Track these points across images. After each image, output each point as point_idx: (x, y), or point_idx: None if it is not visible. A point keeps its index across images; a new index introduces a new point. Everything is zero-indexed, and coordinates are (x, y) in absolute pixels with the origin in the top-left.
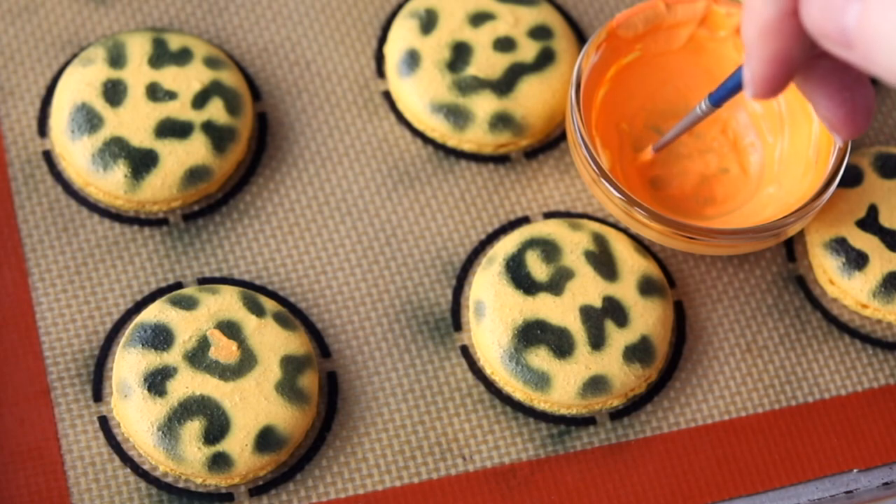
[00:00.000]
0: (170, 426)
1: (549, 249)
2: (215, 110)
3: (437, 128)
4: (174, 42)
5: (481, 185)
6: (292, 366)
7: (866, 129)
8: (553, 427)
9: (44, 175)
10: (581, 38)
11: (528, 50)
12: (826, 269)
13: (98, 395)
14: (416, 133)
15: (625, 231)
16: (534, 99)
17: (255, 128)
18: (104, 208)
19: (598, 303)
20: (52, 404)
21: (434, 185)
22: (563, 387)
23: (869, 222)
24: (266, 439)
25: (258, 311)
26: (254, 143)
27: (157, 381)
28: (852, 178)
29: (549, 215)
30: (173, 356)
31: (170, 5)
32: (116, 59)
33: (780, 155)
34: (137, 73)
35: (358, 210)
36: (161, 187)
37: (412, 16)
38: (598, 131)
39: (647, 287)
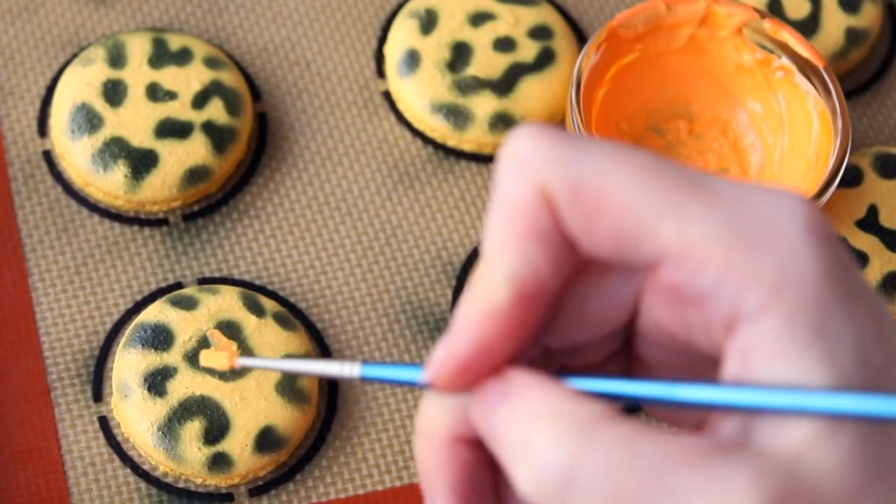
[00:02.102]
0: (170, 426)
1: None
2: (215, 110)
3: (437, 128)
4: (174, 42)
5: (481, 185)
6: None
7: None
8: None
9: (44, 175)
10: (581, 38)
11: (528, 50)
12: None
13: (98, 395)
14: (416, 133)
15: None
16: (534, 99)
17: (255, 128)
18: (104, 208)
19: None
20: (52, 404)
21: (434, 185)
22: None
23: (869, 222)
24: (266, 439)
25: (258, 311)
26: (254, 143)
27: (157, 382)
28: (852, 178)
29: None
30: (173, 356)
31: (170, 5)
32: (116, 59)
33: (780, 155)
34: (137, 73)
35: (358, 210)
36: (161, 187)
37: (412, 16)
38: (598, 131)
39: None
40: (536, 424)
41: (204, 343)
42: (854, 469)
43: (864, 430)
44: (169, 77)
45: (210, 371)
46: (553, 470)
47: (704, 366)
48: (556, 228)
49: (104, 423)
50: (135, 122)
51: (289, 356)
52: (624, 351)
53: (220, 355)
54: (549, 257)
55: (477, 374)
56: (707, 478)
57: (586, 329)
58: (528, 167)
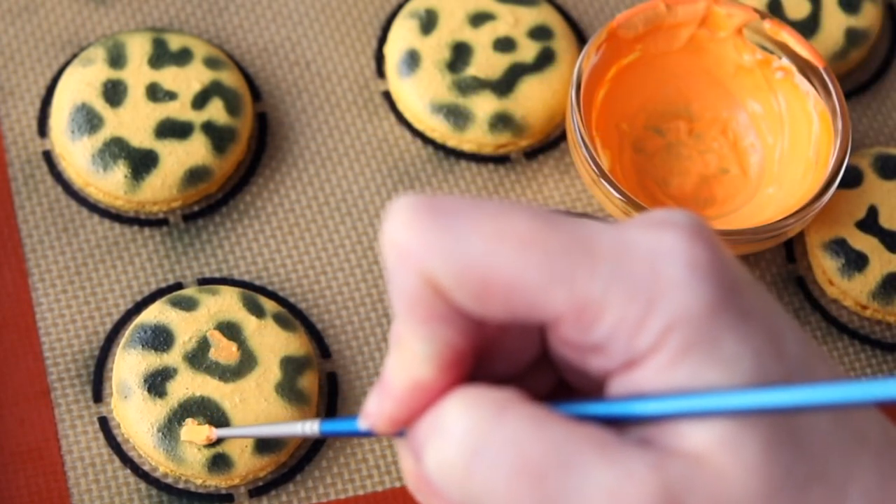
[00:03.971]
0: (170, 427)
1: None
2: (215, 110)
3: (437, 128)
4: (174, 42)
5: (481, 186)
6: (292, 367)
7: None
8: None
9: (44, 175)
10: (581, 38)
11: (528, 50)
12: (826, 270)
13: (98, 395)
14: (416, 133)
15: None
16: (534, 99)
17: (255, 128)
18: (104, 208)
19: None
20: (52, 405)
21: (434, 186)
22: None
23: (869, 223)
24: (266, 440)
25: (258, 311)
26: (254, 143)
27: (157, 382)
28: (852, 178)
29: None
30: (173, 357)
31: (170, 5)
32: (116, 59)
33: (780, 155)
34: (137, 74)
35: (358, 210)
36: (161, 188)
37: (412, 16)
38: (598, 131)
39: None
40: (445, 404)
41: (204, 343)
42: (759, 478)
43: (773, 441)
44: (169, 77)
45: (210, 371)
46: (459, 443)
47: None
48: (453, 307)
49: (104, 424)
50: (135, 122)
51: (288, 357)
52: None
53: (200, 430)
54: (458, 331)
55: (409, 423)
56: (610, 461)
57: (504, 364)
58: (409, 260)
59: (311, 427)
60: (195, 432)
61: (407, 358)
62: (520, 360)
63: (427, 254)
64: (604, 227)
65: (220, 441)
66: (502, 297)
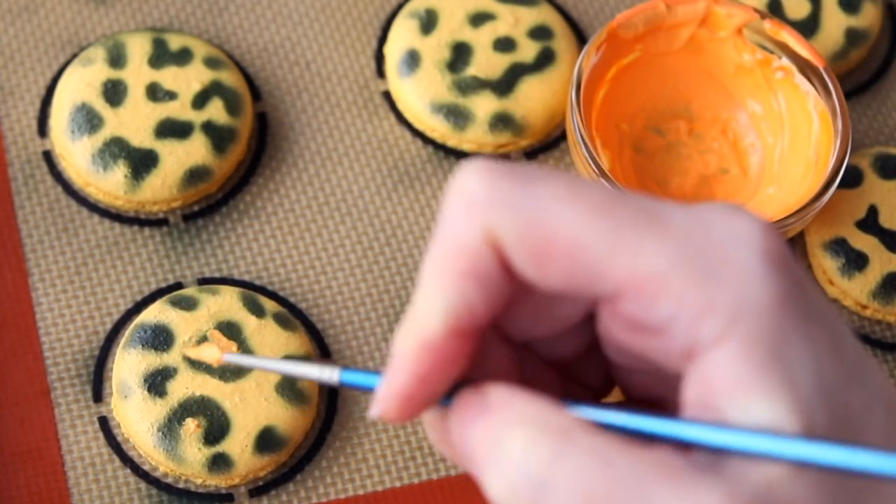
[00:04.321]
0: (170, 427)
1: None
2: (215, 110)
3: (437, 128)
4: (174, 42)
5: None
6: None
7: None
8: None
9: (44, 175)
10: (581, 38)
11: (528, 50)
12: (826, 270)
13: (98, 395)
14: (416, 133)
15: None
16: (534, 99)
17: (255, 128)
18: (104, 208)
19: None
20: (52, 405)
21: (434, 186)
22: None
23: (869, 223)
24: (266, 440)
25: (258, 311)
26: (254, 143)
27: (157, 382)
28: (852, 178)
29: None
30: (173, 357)
31: (170, 5)
32: (116, 59)
33: (779, 155)
34: (137, 73)
35: (358, 210)
36: (161, 187)
37: (412, 16)
38: (598, 131)
39: None
40: (510, 431)
41: (204, 343)
42: (826, 491)
43: None
44: (169, 77)
45: (210, 371)
46: (526, 475)
47: (663, 376)
48: (498, 269)
49: (104, 424)
50: (135, 122)
51: (288, 357)
52: (597, 348)
53: (211, 350)
54: (485, 297)
55: (421, 403)
56: (680, 492)
57: (542, 325)
58: (475, 208)
59: (331, 374)
60: (205, 351)
61: (418, 318)
62: (554, 324)
63: (496, 204)
64: (677, 206)
65: (223, 439)
66: (563, 259)
